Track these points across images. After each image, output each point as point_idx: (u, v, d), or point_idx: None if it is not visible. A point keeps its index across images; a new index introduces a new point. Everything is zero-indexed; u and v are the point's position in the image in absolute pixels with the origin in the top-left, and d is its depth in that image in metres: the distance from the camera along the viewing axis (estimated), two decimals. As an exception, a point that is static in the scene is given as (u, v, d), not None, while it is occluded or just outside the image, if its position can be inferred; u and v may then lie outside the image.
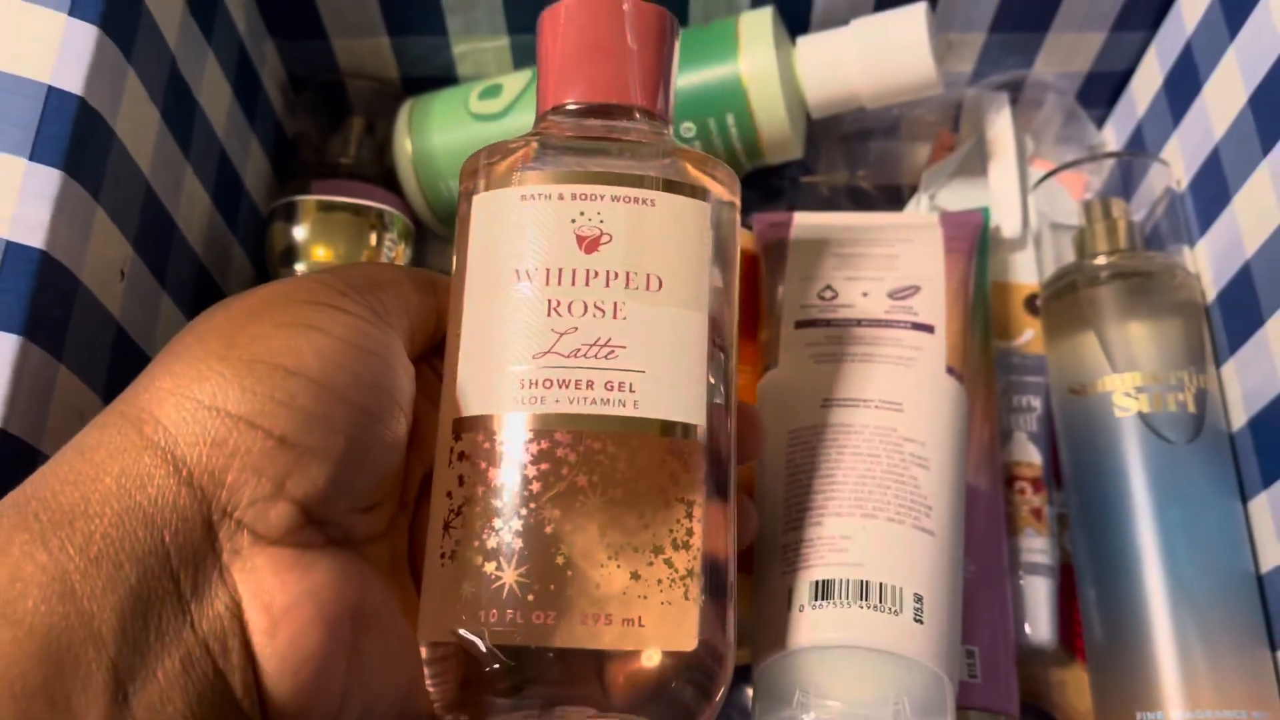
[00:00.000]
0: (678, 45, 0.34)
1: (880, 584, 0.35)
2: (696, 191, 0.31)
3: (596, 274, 0.30)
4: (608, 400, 0.29)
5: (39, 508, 0.25)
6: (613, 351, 0.29)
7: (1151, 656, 0.39)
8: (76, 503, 0.25)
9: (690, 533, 0.29)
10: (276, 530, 0.27)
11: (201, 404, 0.27)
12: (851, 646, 0.35)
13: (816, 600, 0.36)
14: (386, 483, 0.30)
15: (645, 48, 0.32)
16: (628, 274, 0.30)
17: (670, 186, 0.31)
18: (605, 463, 0.29)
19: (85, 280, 0.33)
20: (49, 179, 0.32)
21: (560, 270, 0.30)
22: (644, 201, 0.31)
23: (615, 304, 0.30)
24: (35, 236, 0.31)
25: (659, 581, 0.29)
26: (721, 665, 0.30)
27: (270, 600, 0.27)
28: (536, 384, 0.29)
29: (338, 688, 0.28)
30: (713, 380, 0.31)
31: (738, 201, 0.33)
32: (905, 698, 0.34)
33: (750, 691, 0.44)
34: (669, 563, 0.29)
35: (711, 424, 0.30)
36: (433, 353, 0.33)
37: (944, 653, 0.35)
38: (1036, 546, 0.44)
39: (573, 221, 0.30)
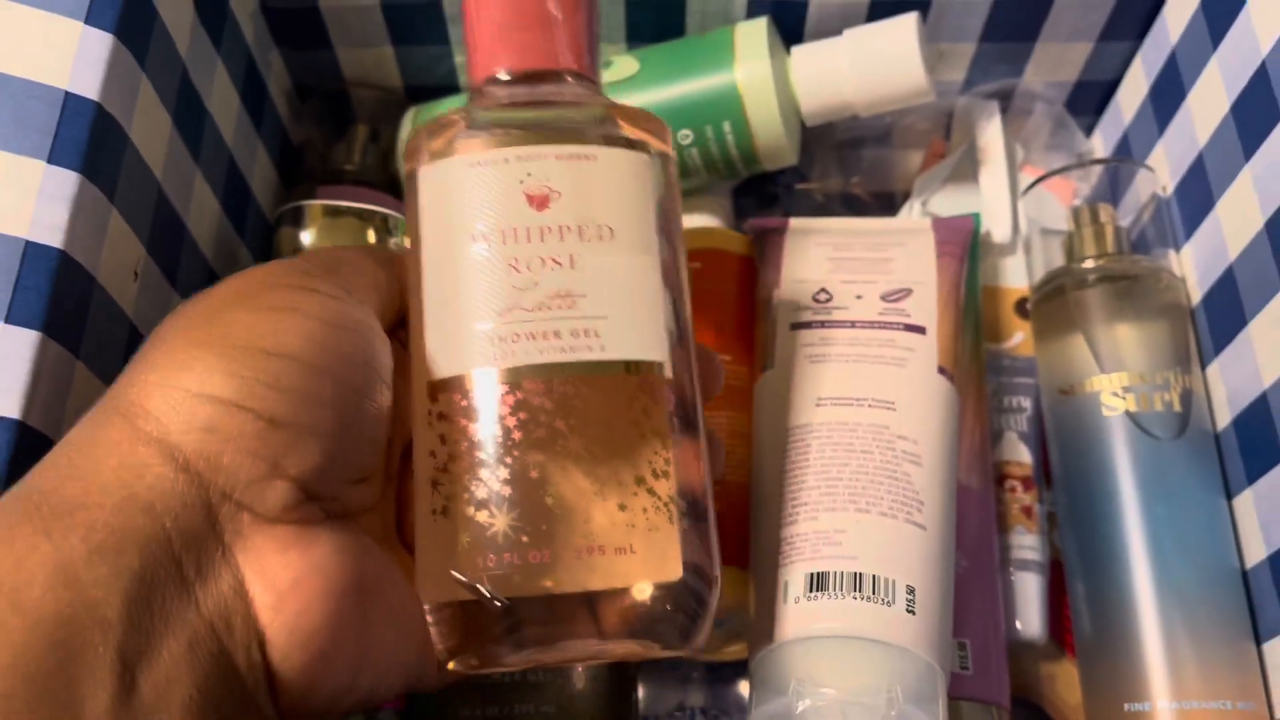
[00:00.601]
0: (598, 5, 0.35)
1: (873, 576, 0.36)
2: (634, 144, 0.33)
3: (550, 230, 0.31)
4: (575, 347, 0.30)
5: (40, 500, 0.26)
6: (574, 301, 0.31)
7: (1139, 649, 0.40)
8: (77, 495, 0.26)
9: (668, 462, 0.31)
10: (275, 509, 0.28)
11: (189, 392, 0.27)
12: (845, 636, 0.36)
13: (811, 592, 0.36)
14: (376, 454, 0.31)
15: (568, 13, 0.34)
16: (579, 227, 0.31)
17: (608, 141, 0.32)
18: (580, 405, 0.30)
19: (101, 279, 0.34)
20: (67, 181, 0.33)
21: (515, 229, 0.31)
22: (585, 158, 0.32)
23: (571, 256, 0.31)
24: (54, 236, 0.32)
25: (644, 510, 0.30)
26: (710, 587, 0.31)
27: (275, 576, 0.27)
28: (505, 339, 0.30)
29: (348, 660, 0.29)
30: (669, 320, 0.32)
31: (671, 152, 0.34)
32: (898, 686, 0.35)
33: (747, 683, 0.45)
34: (651, 491, 0.30)
35: (674, 361, 0.32)
36: (400, 326, 0.34)
37: (936, 643, 0.36)
38: (1027, 543, 0.45)
39: (521, 182, 0.31)
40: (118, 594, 0.25)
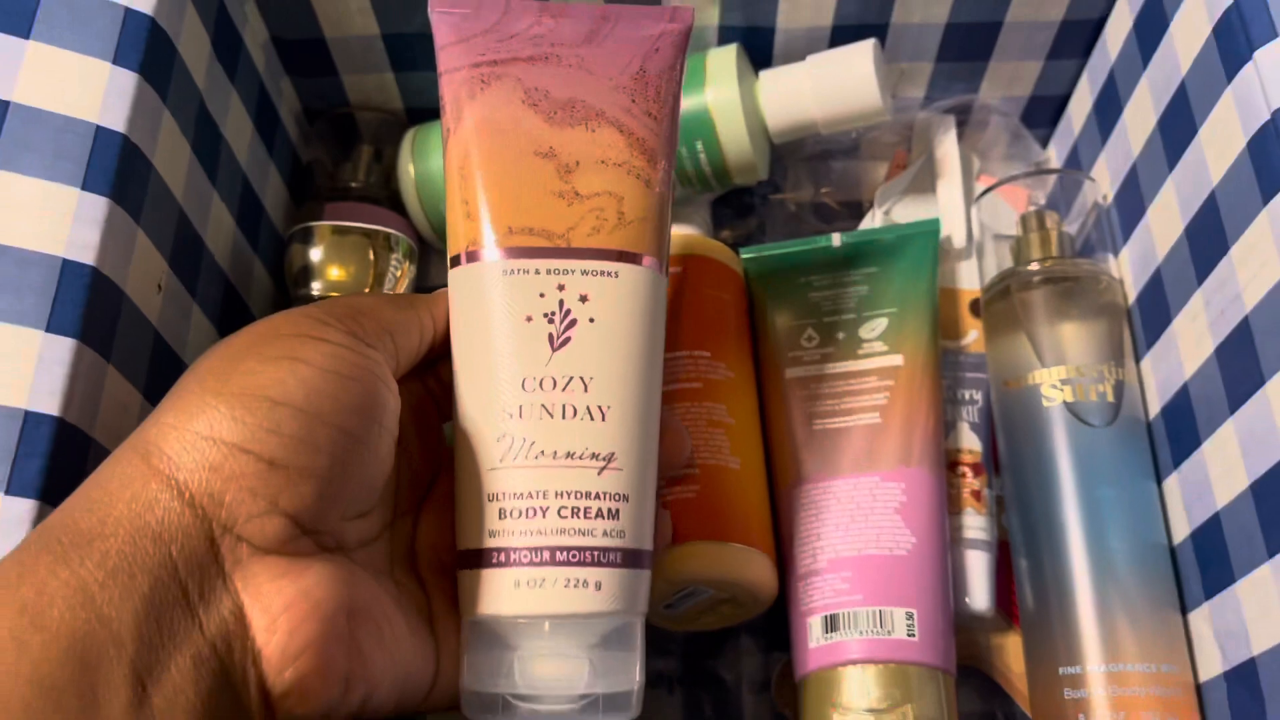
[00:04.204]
0: None
1: None
2: None
3: None
4: None
5: (60, 533, 0.28)
6: None
7: (1073, 618, 0.44)
8: (94, 526, 0.29)
9: None
10: (272, 541, 0.31)
11: (200, 435, 0.30)
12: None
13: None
14: (371, 494, 0.34)
15: None
16: None
17: None
18: None
19: (129, 293, 0.39)
20: (98, 205, 0.37)
21: None
22: None
23: None
24: (87, 255, 0.36)
25: None
26: None
27: (269, 602, 0.30)
28: None
29: (339, 674, 0.31)
30: None
31: None
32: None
33: (722, 655, 0.48)
34: None
35: None
36: (423, 366, 0.38)
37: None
38: (976, 524, 0.49)
39: None
40: (129, 613, 0.28)
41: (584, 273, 0.36)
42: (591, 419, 0.35)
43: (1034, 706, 0.45)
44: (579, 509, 0.35)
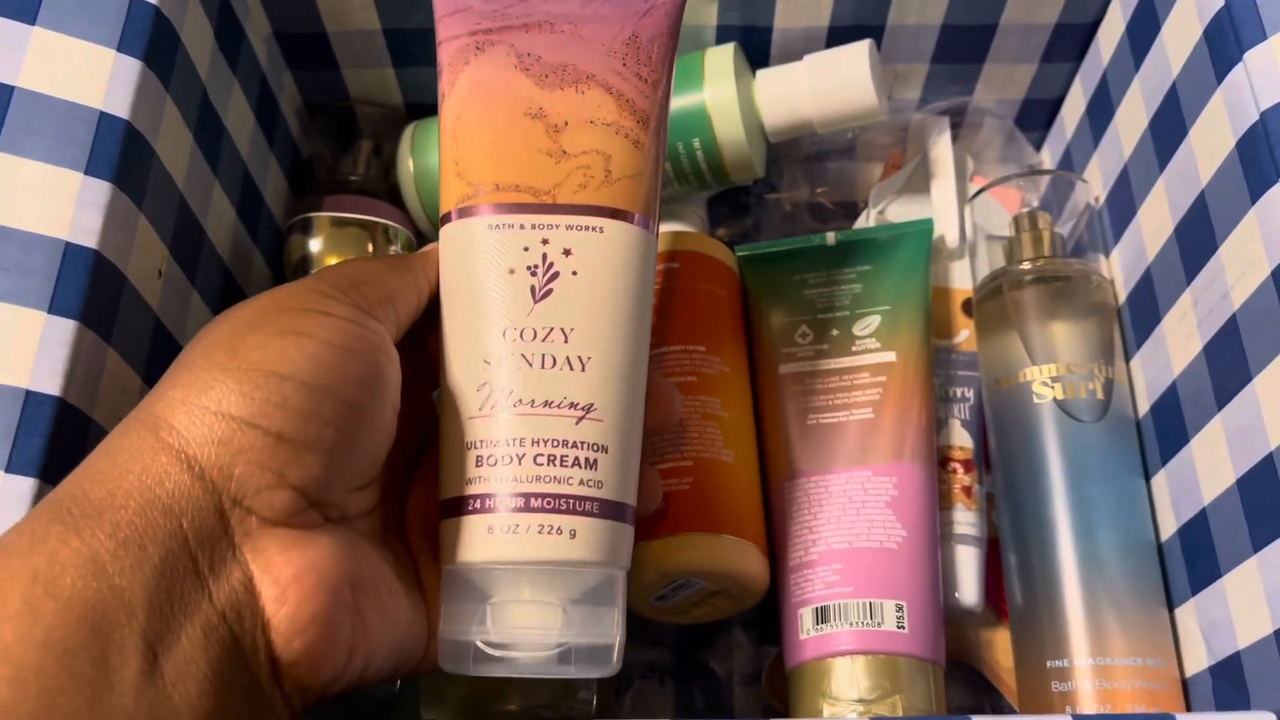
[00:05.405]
0: None
1: None
2: None
3: None
4: None
5: (71, 504, 0.29)
6: None
7: (1061, 612, 0.44)
8: (104, 498, 0.29)
9: None
10: (280, 513, 0.31)
11: (208, 410, 0.31)
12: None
13: None
14: (374, 465, 0.35)
15: None
16: None
17: None
18: None
19: (130, 277, 0.39)
20: (101, 190, 0.37)
21: None
22: None
23: None
24: (90, 238, 0.37)
25: None
26: None
27: (278, 572, 0.31)
28: None
29: (344, 643, 0.32)
30: None
31: None
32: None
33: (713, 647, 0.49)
34: None
35: None
36: (421, 326, 0.38)
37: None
38: (966, 520, 0.49)
39: None
40: (140, 583, 0.28)
41: (568, 228, 0.37)
42: (571, 369, 0.36)
43: (1021, 698, 0.46)
44: (555, 456, 0.35)
